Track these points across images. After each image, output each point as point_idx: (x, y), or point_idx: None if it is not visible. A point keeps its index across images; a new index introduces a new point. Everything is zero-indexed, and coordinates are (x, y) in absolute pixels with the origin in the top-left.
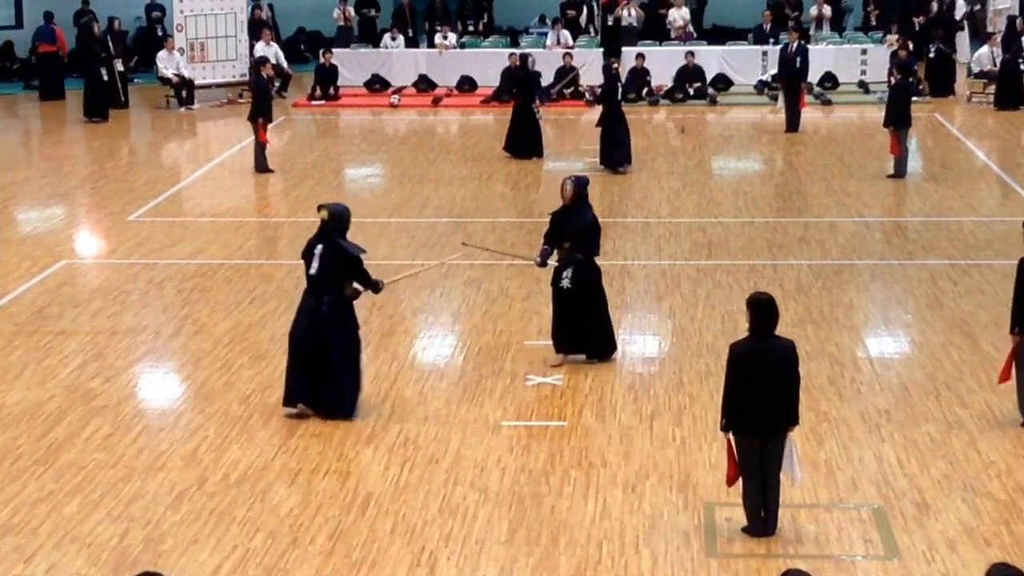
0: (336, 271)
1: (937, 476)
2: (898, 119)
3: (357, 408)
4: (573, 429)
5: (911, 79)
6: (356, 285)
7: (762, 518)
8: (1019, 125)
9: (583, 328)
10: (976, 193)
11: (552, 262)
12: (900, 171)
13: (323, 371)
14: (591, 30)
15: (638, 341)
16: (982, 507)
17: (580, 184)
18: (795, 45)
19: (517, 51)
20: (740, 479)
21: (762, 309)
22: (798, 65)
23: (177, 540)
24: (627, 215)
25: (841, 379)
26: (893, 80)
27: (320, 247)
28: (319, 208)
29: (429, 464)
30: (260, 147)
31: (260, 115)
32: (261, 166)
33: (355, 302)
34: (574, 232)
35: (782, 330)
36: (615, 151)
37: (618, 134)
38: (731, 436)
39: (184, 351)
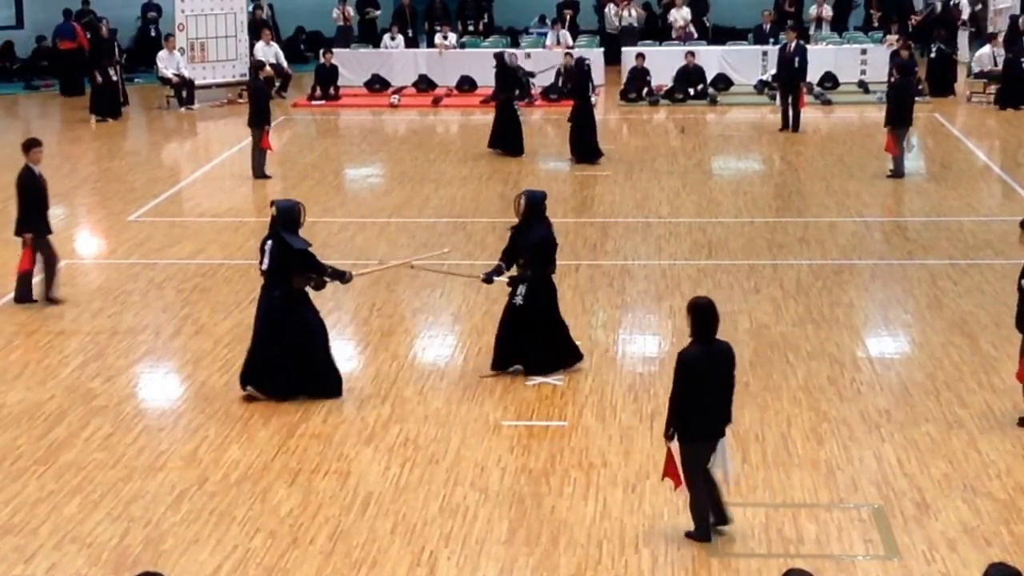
0: (284, 265)
1: (937, 476)
2: (894, 119)
3: (343, 389)
4: (573, 429)
5: (911, 79)
6: (316, 276)
7: (711, 523)
8: (1019, 125)
9: (525, 344)
10: (976, 193)
11: (503, 278)
12: (899, 171)
13: (283, 360)
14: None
15: (638, 341)
16: (982, 507)
17: (533, 200)
18: (793, 45)
19: (508, 50)
20: (683, 486)
21: (704, 313)
22: (797, 65)
23: (177, 540)
24: (627, 215)
25: (841, 379)
26: (893, 80)
27: (270, 242)
28: (271, 204)
29: (429, 464)
30: (261, 152)
31: (263, 121)
32: (259, 172)
33: (352, 301)
34: (525, 249)
35: (783, 330)
36: (581, 148)
37: (585, 131)
38: (674, 444)
39: (184, 351)
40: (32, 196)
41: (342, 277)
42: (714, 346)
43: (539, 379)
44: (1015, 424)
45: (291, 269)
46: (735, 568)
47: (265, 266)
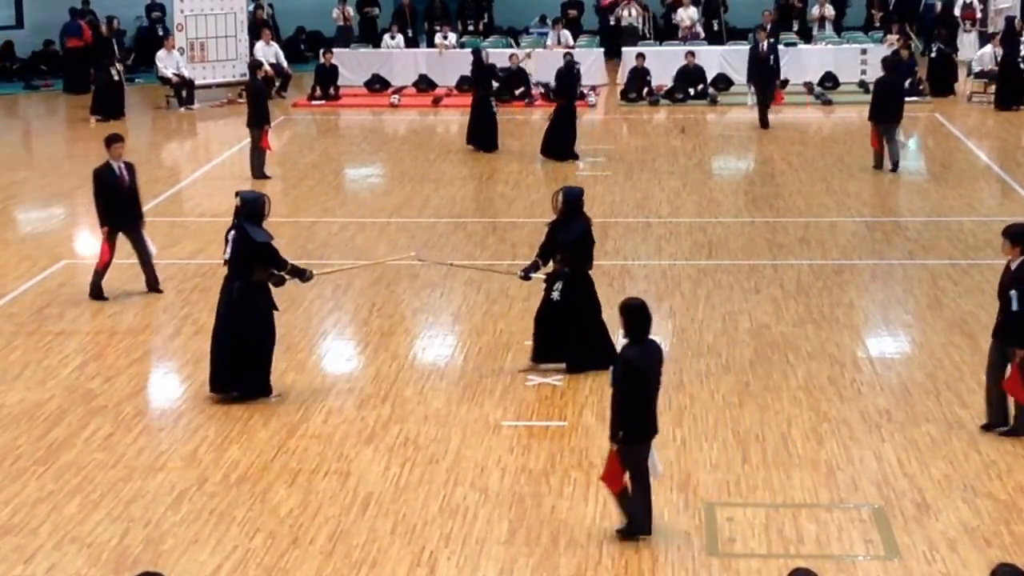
0: (245, 256)
1: (937, 476)
2: (875, 115)
3: (271, 388)
4: (573, 429)
5: (895, 76)
6: (276, 271)
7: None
8: (1019, 125)
9: (561, 340)
10: (976, 193)
11: (539, 275)
12: (878, 164)
13: (239, 355)
14: (646, 32)
15: None
16: (982, 507)
17: (571, 196)
18: (766, 44)
19: (496, 49)
20: (627, 486)
21: (639, 313)
22: (771, 63)
23: (177, 540)
24: (627, 215)
25: (841, 379)
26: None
27: (232, 233)
28: (236, 194)
29: (429, 464)
30: (260, 152)
31: (262, 121)
32: (259, 172)
33: (352, 301)
34: (566, 246)
35: (783, 330)
36: (556, 146)
37: (565, 131)
38: (618, 446)
39: (184, 351)
40: (106, 191)
41: (302, 275)
42: (650, 345)
43: (539, 379)
44: (1010, 428)
45: (252, 261)
46: (735, 568)
47: (226, 256)
